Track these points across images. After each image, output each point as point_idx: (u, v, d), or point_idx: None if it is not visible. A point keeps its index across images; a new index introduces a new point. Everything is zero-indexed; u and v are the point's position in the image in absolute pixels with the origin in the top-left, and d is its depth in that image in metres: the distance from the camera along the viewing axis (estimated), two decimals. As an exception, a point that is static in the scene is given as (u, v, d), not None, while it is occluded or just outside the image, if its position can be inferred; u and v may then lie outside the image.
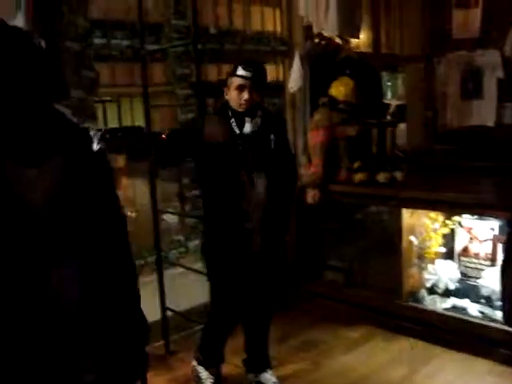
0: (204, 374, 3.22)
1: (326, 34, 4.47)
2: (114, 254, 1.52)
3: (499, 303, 3.64)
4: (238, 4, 4.58)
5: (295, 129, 4.72)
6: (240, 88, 2.77)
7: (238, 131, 2.82)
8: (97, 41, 3.56)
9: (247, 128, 2.83)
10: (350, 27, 4.42)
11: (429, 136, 5.88)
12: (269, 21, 4.73)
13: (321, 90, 4.39)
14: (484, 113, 4.75)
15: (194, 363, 3.28)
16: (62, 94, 2.09)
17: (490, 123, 4.56)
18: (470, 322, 3.63)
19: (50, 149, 1.38)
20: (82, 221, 1.42)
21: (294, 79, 4.54)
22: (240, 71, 2.76)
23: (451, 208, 3.65)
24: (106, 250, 1.49)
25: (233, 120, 2.83)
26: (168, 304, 3.72)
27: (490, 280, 3.78)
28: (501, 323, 3.51)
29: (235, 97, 2.80)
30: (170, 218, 4.57)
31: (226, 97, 2.87)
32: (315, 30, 4.45)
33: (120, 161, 9.76)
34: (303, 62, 4.53)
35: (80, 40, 2.34)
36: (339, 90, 4.19)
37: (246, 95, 2.76)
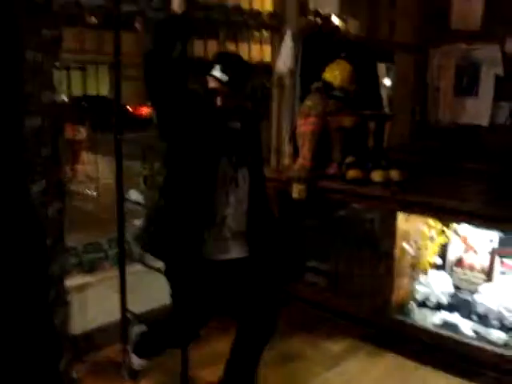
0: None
1: (323, 11, 4.05)
2: None
3: (495, 322, 3.36)
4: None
5: (281, 114, 4.30)
6: (213, 91, 2.36)
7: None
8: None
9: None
10: (350, 6, 4.01)
11: (415, 132, 5.57)
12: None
13: (313, 73, 3.96)
14: (478, 111, 4.46)
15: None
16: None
17: (484, 122, 4.26)
18: (462, 342, 3.30)
19: None
20: None
21: (284, 59, 4.11)
22: (216, 72, 2.33)
23: (455, 216, 3.28)
24: None
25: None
26: (129, 304, 3.27)
27: (486, 296, 3.46)
28: (496, 345, 3.21)
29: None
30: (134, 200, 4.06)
31: None
32: (312, 7, 4.03)
33: (81, 133, 9.15)
34: (295, 41, 4.09)
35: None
36: (335, 74, 3.77)
37: (218, 101, 2.35)
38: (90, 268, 3.42)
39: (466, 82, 4.96)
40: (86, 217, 6.67)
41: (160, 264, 3.30)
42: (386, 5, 5.02)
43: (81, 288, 3.34)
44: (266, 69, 4.38)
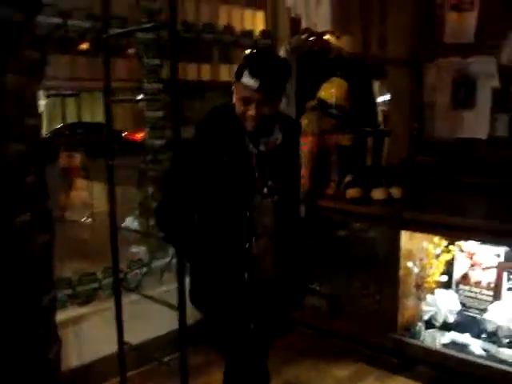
0: None
1: (316, 29, 3.99)
2: None
3: (505, 340, 3.24)
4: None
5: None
6: (245, 101, 2.03)
7: (253, 150, 2.11)
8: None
9: (263, 147, 2.13)
10: (343, 22, 3.96)
11: (413, 147, 5.49)
12: (250, 21, 4.25)
13: (308, 92, 3.90)
14: (476, 124, 4.38)
15: None
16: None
17: (482, 135, 4.17)
18: (474, 362, 3.18)
19: None
20: None
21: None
22: (245, 78, 1.98)
23: (460, 233, 3.19)
24: None
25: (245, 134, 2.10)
26: (126, 334, 3.15)
27: (495, 314, 3.35)
28: (507, 364, 3.09)
29: (239, 109, 2.06)
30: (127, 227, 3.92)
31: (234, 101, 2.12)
32: (304, 25, 3.97)
33: (76, 159, 9.06)
34: (289, 59, 4.03)
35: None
36: (330, 92, 3.71)
37: (251, 111, 2.01)
38: (85, 299, 3.30)
39: (463, 96, 4.89)
40: (82, 245, 6.57)
41: (155, 292, 3.19)
42: (378, 21, 4.98)
43: (76, 320, 3.23)
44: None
